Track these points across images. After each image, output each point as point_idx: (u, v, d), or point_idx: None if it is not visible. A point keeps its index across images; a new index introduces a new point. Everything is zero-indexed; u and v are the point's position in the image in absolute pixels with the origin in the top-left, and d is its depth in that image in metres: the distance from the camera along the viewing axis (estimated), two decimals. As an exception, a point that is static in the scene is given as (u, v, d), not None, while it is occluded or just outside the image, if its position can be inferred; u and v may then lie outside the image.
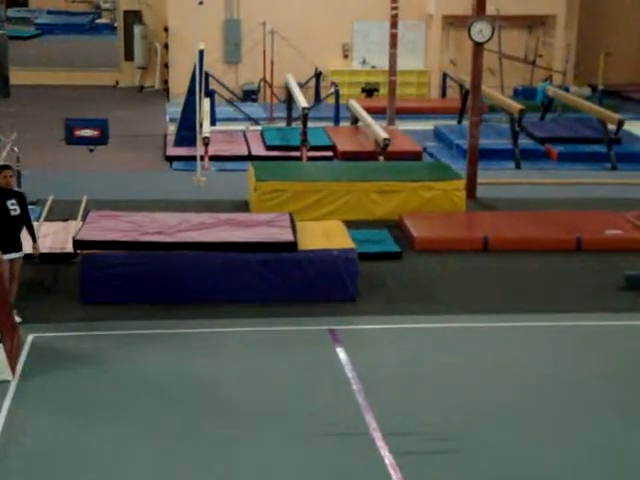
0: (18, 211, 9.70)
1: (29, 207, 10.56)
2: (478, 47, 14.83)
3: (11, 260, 9.67)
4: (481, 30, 14.61)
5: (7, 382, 8.44)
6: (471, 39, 14.71)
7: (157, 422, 7.87)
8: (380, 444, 7.52)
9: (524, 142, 18.10)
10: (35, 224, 11.73)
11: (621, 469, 7.31)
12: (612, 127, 17.94)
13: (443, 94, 23.95)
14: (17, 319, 9.51)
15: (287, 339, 9.66)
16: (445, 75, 23.69)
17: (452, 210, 13.84)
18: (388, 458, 7.32)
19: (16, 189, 10.12)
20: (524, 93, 23.47)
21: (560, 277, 11.65)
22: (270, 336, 9.72)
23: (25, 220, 9.86)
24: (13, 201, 9.68)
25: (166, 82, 24.76)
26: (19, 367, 8.76)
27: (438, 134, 19.77)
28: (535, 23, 24.44)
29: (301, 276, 10.58)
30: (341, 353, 9.27)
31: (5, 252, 9.54)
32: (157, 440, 7.58)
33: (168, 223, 11.08)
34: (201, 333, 9.73)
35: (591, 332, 10.00)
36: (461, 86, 21.18)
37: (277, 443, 7.57)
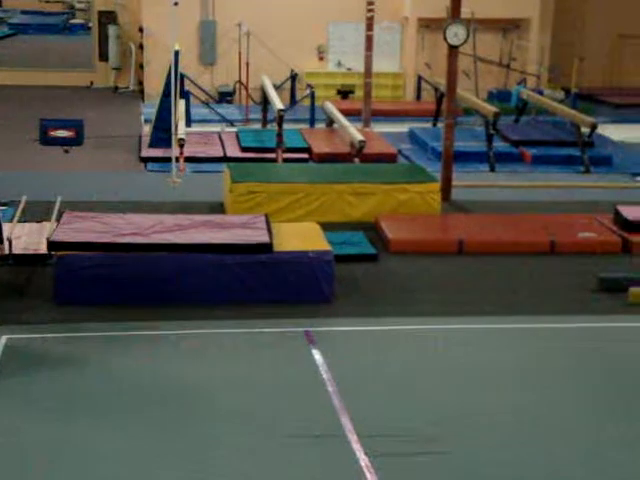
0: None
1: (1, 208, 10.50)
2: (453, 50, 14.89)
3: None
4: (456, 33, 14.68)
5: (-20, 384, 8.39)
6: (446, 42, 14.77)
7: (132, 423, 7.83)
8: (356, 446, 7.53)
9: (498, 145, 18.20)
10: (8, 225, 11.66)
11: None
12: (585, 130, 18.07)
13: (418, 97, 24.04)
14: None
15: (263, 341, 9.65)
16: (420, 78, 23.78)
17: (427, 212, 13.89)
18: (364, 460, 7.33)
19: None
20: (498, 96, 23.58)
21: (534, 279, 11.72)
22: (245, 337, 9.71)
23: None
24: None
25: (141, 83, 24.68)
26: (-8, 369, 8.71)
27: (413, 136, 19.83)
28: (510, 26, 24.59)
29: (277, 278, 10.58)
30: (316, 355, 9.28)
31: None
32: (132, 441, 7.54)
33: (143, 224, 11.05)
34: (176, 335, 9.70)
35: (566, 333, 10.06)
36: (436, 89, 21.27)
37: (252, 444, 7.56)
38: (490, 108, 18.20)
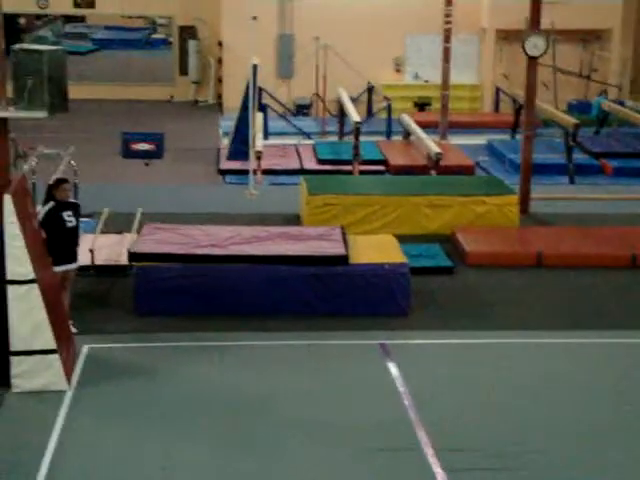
0: (74, 222, 9.83)
1: (85, 219, 10.73)
2: (532, 61, 14.75)
3: (64, 271, 9.79)
4: (536, 44, 14.53)
5: (63, 392, 8.56)
6: (525, 53, 14.64)
7: (209, 434, 7.92)
8: (432, 460, 7.49)
9: (578, 157, 17.93)
10: (91, 236, 11.92)
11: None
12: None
13: (496, 108, 23.84)
14: (73, 330, 9.65)
15: (338, 353, 9.67)
16: (498, 89, 23.58)
17: (505, 225, 13.75)
18: (440, 475, 7.28)
19: (71, 200, 10.26)
20: (578, 107, 23.25)
21: (614, 293, 11.51)
22: (321, 350, 9.73)
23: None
24: (69, 212, 9.81)
25: (220, 96, 24.99)
26: (74, 377, 8.89)
27: (491, 149, 19.67)
28: (590, 37, 24.25)
29: (352, 290, 10.59)
30: (392, 368, 9.25)
31: (59, 263, 9.66)
32: (208, 452, 7.63)
33: (221, 236, 11.18)
34: (253, 345, 9.78)
35: (647, 350, 9.87)
36: (514, 100, 21.06)
37: (327, 457, 7.57)
38: (570, 119, 17.96)
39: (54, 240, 9.58)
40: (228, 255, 10.63)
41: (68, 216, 9.78)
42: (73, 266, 9.91)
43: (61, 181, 10.00)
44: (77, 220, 9.91)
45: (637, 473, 7.41)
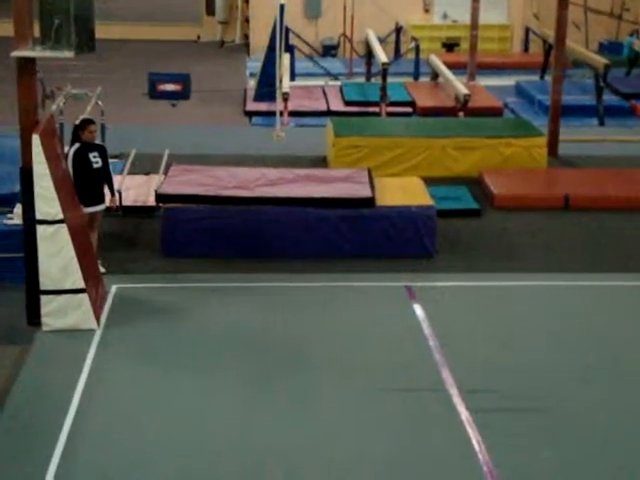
0: (100, 163, 9.84)
1: (112, 161, 10.74)
2: (563, 0, 14.49)
3: (92, 212, 9.85)
4: (567, -17, 14.27)
5: (92, 331, 8.69)
6: (556, -8, 14.39)
7: (237, 373, 8.02)
8: (457, 400, 7.56)
9: (608, 98, 17.70)
10: (118, 177, 11.97)
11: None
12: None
13: (525, 49, 23.52)
14: (101, 269, 9.75)
15: (365, 295, 9.71)
16: (528, 29, 23.23)
17: (533, 167, 13.66)
18: (464, 415, 7.35)
19: (97, 142, 10.27)
20: (609, 48, 22.90)
21: (643, 237, 11.45)
22: (347, 291, 9.78)
23: (105, 173, 10.00)
24: (95, 154, 9.80)
25: (247, 37, 24.81)
26: (103, 317, 9.00)
27: (520, 90, 19.45)
28: (623, -25, 23.78)
29: (379, 232, 10.60)
30: (418, 310, 9.29)
31: (87, 205, 9.71)
32: (237, 390, 7.73)
33: (247, 178, 11.19)
34: (280, 287, 9.84)
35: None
36: (544, 41, 20.75)
37: (352, 398, 7.65)
38: (600, 60, 17.69)
39: (80, 181, 9.60)
40: (255, 197, 10.65)
41: (94, 157, 9.77)
42: (101, 207, 9.95)
43: (87, 122, 9.95)
44: (104, 162, 9.92)
45: (661, 415, 7.45)
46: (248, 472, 6.65)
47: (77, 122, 9.92)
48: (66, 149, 9.83)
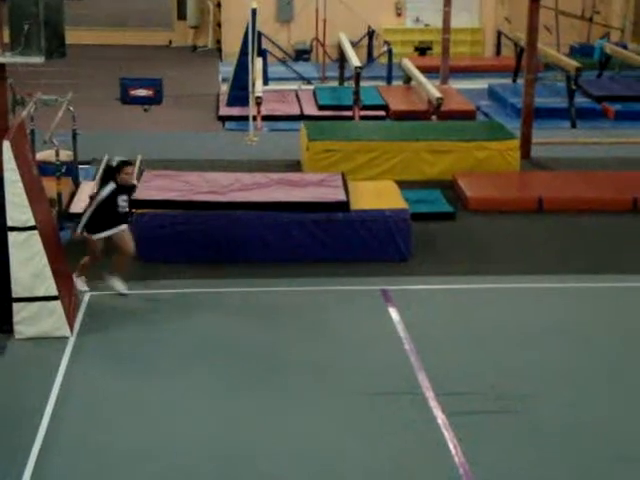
0: (126, 209, 9.54)
1: (84, 167, 10.64)
2: (534, 3, 14.58)
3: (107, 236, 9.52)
4: (537, -14, 14.35)
5: (65, 338, 8.61)
6: (527, -4, 14.46)
7: (211, 378, 7.97)
8: (433, 403, 7.55)
9: (580, 101, 17.81)
10: (91, 183, 11.87)
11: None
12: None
13: (497, 52, 23.65)
14: (84, 288, 9.63)
15: (339, 299, 9.69)
16: (500, 33, 23.36)
17: (506, 170, 13.71)
18: (441, 418, 7.34)
19: (132, 182, 9.91)
20: (581, 51, 23.06)
21: (615, 238, 11.51)
22: (322, 296, 9.76)
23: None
24: (125, 197, 9.52)
25: (219, 41, 24.76)
26: (76, 324, 8.92)
27: (492, 93, 19.54)
28: (593, -21, 23.96)
29: (353, 236, 10.59)
30: (393, 313, 9.29)
31: (95, 232, 9.40)
32: (211, 395, 7.68)
33: (221, 183, 11.14)
34: (254, 292, 9.80)
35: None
36: (516, 44, 20.87)
37: (329, 401, 7.63)
38: (572, 63, 17.81)
39: (100, 216, 9.35)
40: (228, 202, 10.60)
41: (123, 201, 9.48)
42: (119, 228, 9.59)
43: (124, 164, 9.52)
44: (129, 202, 9.56)
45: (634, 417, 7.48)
46: (223, 477, 6.61)
47: (114, 163, 9.54)
48: (91, 185, 9.32)
